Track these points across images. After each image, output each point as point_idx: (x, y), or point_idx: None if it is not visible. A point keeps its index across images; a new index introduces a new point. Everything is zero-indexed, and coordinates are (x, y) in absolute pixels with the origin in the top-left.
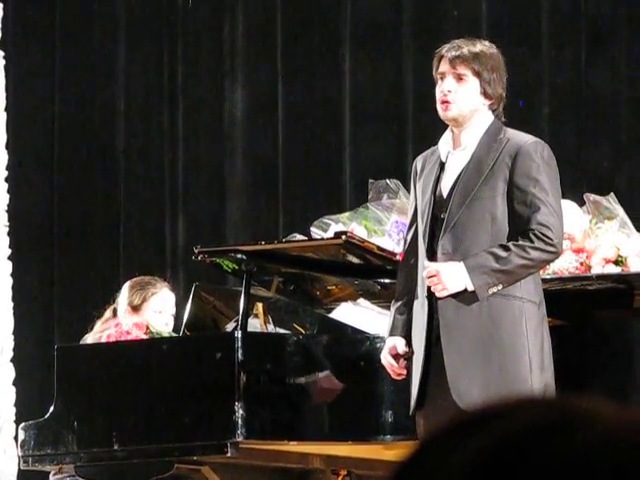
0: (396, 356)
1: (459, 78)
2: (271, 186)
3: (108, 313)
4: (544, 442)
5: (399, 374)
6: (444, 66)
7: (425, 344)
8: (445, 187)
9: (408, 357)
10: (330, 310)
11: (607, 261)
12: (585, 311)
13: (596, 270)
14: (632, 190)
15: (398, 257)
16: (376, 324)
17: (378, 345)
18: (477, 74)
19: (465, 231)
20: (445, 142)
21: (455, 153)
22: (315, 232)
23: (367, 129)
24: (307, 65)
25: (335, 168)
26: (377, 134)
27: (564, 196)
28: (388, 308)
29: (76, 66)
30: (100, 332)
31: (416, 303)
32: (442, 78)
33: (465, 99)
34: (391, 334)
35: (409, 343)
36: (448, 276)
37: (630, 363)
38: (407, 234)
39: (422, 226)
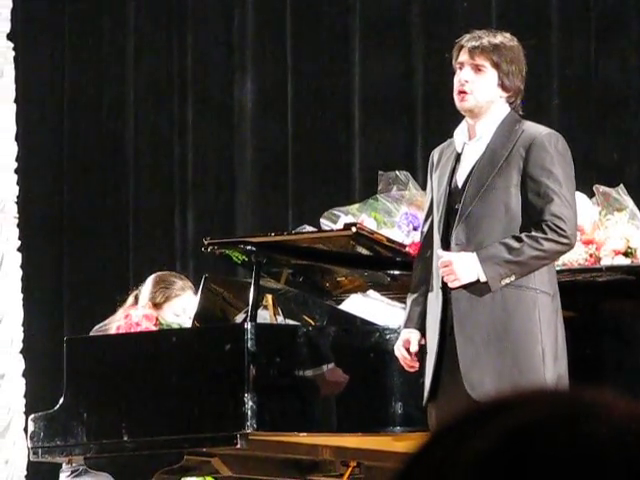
0: (409, 349)
1: (477, 69)
2: (281, 178)
3: (131, 299)
4: (555, 433)
5: (412, 366)
6: (463, 56)
7: (439, 335)
8: (460, 178)
9: (421, 349)
10: (340, 302)
11: (617, 253)
12: (595, 303)
13: (606, 262)
14: None
15: (408, 249)
16: (386, 315)
17: (388, 337)
18: (496, 65)
19: (479, 222)
20: (461, 133)
21: (470, 144)
22: (325, 224)
23: (377, 121)
24: (317, 57)
25: (344, 160)
26: (387, 126)
27: None
28: (398, 300)
29: (85, 58)
30: (118, 321)
31: (431, 295)
32: (461, 68)
33: (482, 90)
34: (406, 326)
35: (424, 335)
36: (461, 266)
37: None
38: (423, 226)
39: (437, 217)
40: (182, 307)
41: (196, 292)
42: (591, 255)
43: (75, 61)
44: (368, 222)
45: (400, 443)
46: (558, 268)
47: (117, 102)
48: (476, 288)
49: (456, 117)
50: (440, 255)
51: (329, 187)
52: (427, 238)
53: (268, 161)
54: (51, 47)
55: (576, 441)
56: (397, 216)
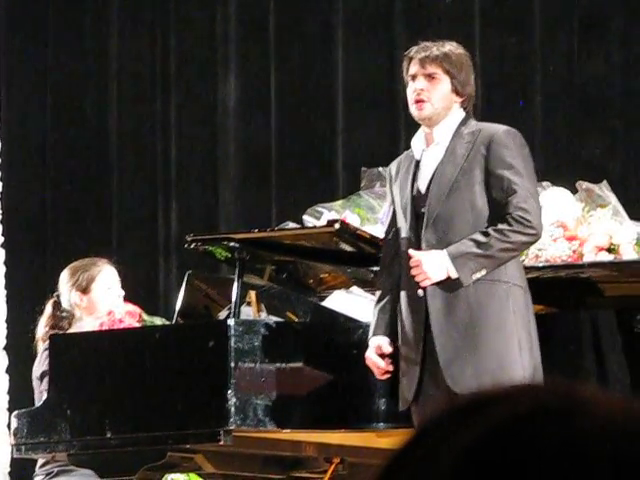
0: (381, 356)
1: (430, 77)
2: (264, 174)
3: (49, 308)
4: (541, 428)
5: (385, 372)
6: (414, 67)
7: (418, 335)
8: (423, 183)
9: (392, 356)
10: (323, 298)
11: (600, 249)
12: (578, 299)
13: (589, 258)
14: (624, 178)
15: None
16: (369, 312)
17: None
18: (447, 72)
19: (447, 223)
20: (418, 141)
21: (429, 150)
22: (308, 220)
23: (360, 117)
24: (300, 52)
25: (328, 156)
26: (370, 122)
27: (557, 184)
28: None
29: (68, 54)
30: (45, 326)
31: (402, 298)
32: (413, 79)
33: (438, 97)
34: (375, 334)
35: (393, 342)
36: (430, 265)
37: (622, 351)
38: (385, 237)
39: (406, 224)
40: (110, 279)
41: (113, 265)
42: (574, 251)
43: (58, 59)
44: (351, 218)
45: (384, 439)
46: (541, 264)
47: (100, 100)
48: (449, 285)
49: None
50: (410, 255)
51: (312, 184)
52: (389, 247)
53: (251, 158)
54: (34, 43)
55: (563, 436)
56: (380, 212)
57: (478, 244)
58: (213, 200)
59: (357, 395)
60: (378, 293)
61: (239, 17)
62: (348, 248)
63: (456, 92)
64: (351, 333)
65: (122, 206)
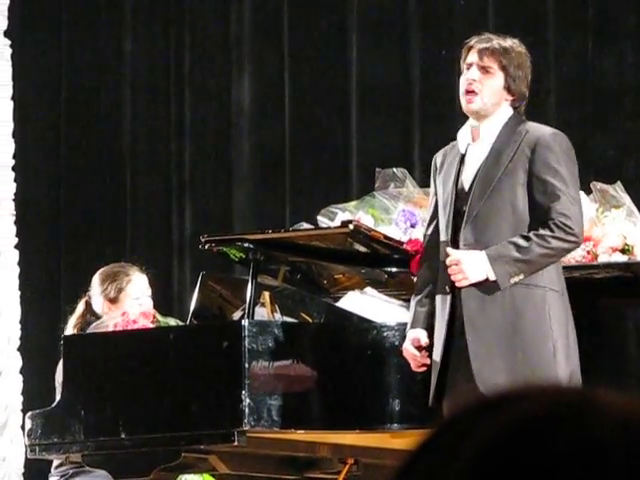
0: (419, 348)
1: (485, 70)
2: (278, 175)
3: (81, 307)
4: (558, 427)
5: (422, 364)
6: (472, 56)
7: (446, 335)
8: (466, 179)
9: (428, 349)
10: (337, 299)
11: (614, 250)
12: (592, 300)
13: (603, 259)
14: (639, 179)
15: (405, 246)
16: (383, 313)
17: (385, 334)
18: (503, 68)
19: (486, 222)
20: (464, 135)
21: (474, 145)
22: (322, 221)
23: (374, 118)
24: (314, 53)
25: (342, 157)
26: (384, 123)
27: None
28: (395, 297)
29: (82, 55)
30: (74, 327)
31: (438, 295)
32: (468, 68)
33: (489, 92)
34: (412, 327)
35: (430, 335)
36: (469, 265)
37: (638, 351)
38: (427, 229)
39: (444, 219)
40: (139, 290)
41: (143, 272)
42: (588, 252)
43: (72, 59)
44: (365, 219)
45: (397, 440)
46: None
47: (114, 100)
48: (485, 287)
49: (452, 115)
50: (449, 253)
51: (326, 184)
52: (431, 240)
53: (265, 158)
54: (48, 45)
55: (580, 436)
56: (394, 213)
57: (518, 248)
58: (227, 201)
59: (371, 396)
60: (417, 284)
61: (253, 18)
62: (362, 249)
63: (508, 89)
64: (365, 334)
65: (136, 206)
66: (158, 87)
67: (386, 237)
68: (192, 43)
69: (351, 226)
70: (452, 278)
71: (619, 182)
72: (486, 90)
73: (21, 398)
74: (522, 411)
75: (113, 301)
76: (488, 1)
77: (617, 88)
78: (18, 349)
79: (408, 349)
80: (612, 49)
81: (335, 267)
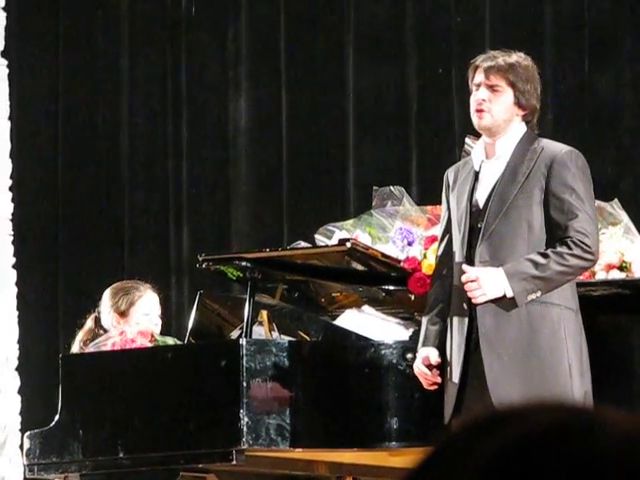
0: (429, 366)
1: (493, 89)
2: (275, 194)
3: (90, 322)
4: (562, 443)
5: (433, 383)
6: (479, 76)
7: (464, 352)
8: (481, 197)
9: (439, 367)
10: (335, 317)
11: (611, 267)
12: (589, 317)
13: (600, 276)
14: (636, 196)
15: (402, 264)
16: (381, 331)
17: (383, 352)
18: (511, 85)
19: (502, 239)
20: (478, 152)
21: (489, 162)
22: (319, 239)
23: (371, 136)
24: (310, 72)
25: (339, 175)
26: (381, 141)
27: None
28: (393, 315)
29: (80, 75)
30: (81, 341)
31: (453, 312)
32: (477, 89)
33: (499, 109)
34: (424, 345)
35: (441, 354)
36: (488, 282)
37: (635, 369)
38: (439, 245)
39: (459, 236)
40: (148, 306)
41: (156, 291)
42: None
43: (69, 78)
44: (363, 237)
45: (396, 458)
46: None
47: (112, 119)
48: (502, 304)
49: (449, 133)
50: (465, 270)
51: (323, 203)
52: (443, 257)
53: (263, 177)
54: (45, 64)
55: (583, 452)
56: (392, 231)
57: (536, 265)
58: (225, 219)
59: (369, 414)
60: (428, 302)
61: (250, 36)
62: (359, 267)
63: (518, 105)
64: (363, 352)
65: (134, 225)
66: (155, 106)
67: (383, 255)
68: (189, 62)
69: (348, 244)
70: (469, 295)
71: (616, 199)
72: (496, 108)
73: (19, 418)
74: (527, 426)
75: (123, 315)
76: (485, 19)
77: (614, 106)
78: (16, 369)
79: (419, 367)
80: (609, 67)
81: (333, 285)
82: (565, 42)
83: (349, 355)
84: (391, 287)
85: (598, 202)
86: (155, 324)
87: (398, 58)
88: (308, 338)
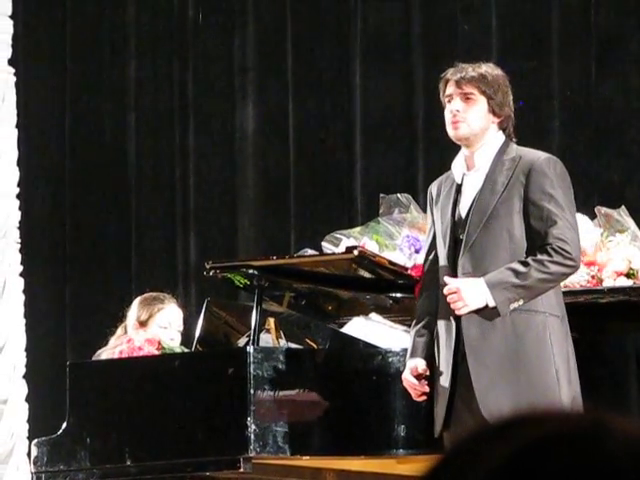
0: (418, 377)
1: (467, 98)
2: (282, 201)
3: (120, 330)
4: (570, 450)
5: (421, 393)
6: (450, 88)
7: (452, 363)
8: (463, 209)
9: (428, 378)
10: (342, 325)
11: (619, 274)
12: (597, 324)
13: (608, 283)
14: None
15: (410, 271)
16: (388, 338)
17: (390, 359)
18: (483, 93)
19: (484, 250)
20: (458, 164)
21: (470, 174)
22: (326, 247)
23: (378, 144)
24: (317, 80)
25: (346, 183)
26: (388, 149)
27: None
28: (400, 322)
29: (87, 83)
30: (112, 348)
31: (439, 324)
32: (450, 101)
33: (475, 118)
34: (411, 356)
35: (429, 365)
36: (469, 292)
37: None
38: (426, 259)
39: (444, 249)
40: (167, 320)
41: (181, 307)
42: (593, 277)
43: (76, 86)
44: (370, 245)
45: (403, 466)
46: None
47: (119, 127)
48: (486, 314)
49: (457, 144)
50: (447, 282)
51: (331, 210)
52: (430, 270)
53: (270, 185)
54: (52, 72)
55: (593, 458)
56: (399, 239)
57: (517, 274)
58: (232, 227)
59: (376, 421)
60: (416, 315)
61: (257, 45)
62: (367, 275)
63: (493, 112)
64: (370, 359)
65: (141, 233)
66: (162, 114)
67: (391, 263)
68: (196, 70)
69: (356, 252)
70: (452, 306)
71: (623, 207)
72: (471, 116)
73: (27, 425)
74: (532, 434)
75: (142, 324)
76: (491, 27)
77: (621, 112)
78: (24, 377)
79: (407, 378)
80: (615, 74)
81: (340, 293)
82: (572, 48)
83: (356, 363)
84: (398, 295)
85: (605, 209)
86: (171, 338)
87: (404, 66)
88: (315, 346)
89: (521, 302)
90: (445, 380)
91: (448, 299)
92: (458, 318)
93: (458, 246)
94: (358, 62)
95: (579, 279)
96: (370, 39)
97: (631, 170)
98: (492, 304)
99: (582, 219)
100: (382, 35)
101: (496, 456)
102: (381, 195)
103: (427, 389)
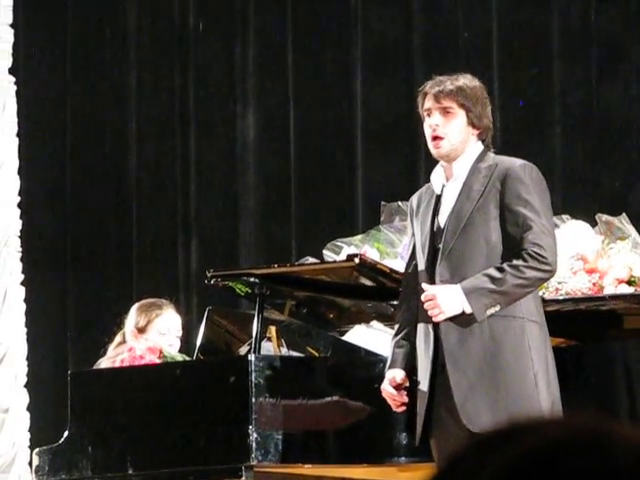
0: (397, 387)
1: (445, 112)
2: (283, 209)
3: (119, 337)
4: (571, 458)
5: (400, 403)
6: (429, 102)
7: (430, 372)
8: (442, 219)
9: (408, 389)
10: (343, 333)
11: (620, 281)
12: (598, 331)
13: (609, 290)
14: None
15: None
16: (389, 346)
17: None
18: (462, 106)
19: (461, 257)
20: (437, 176)
21: (449, 185)
22: (328, 255)
23: (379, 151)
24: (318, 87)
25: (347, 190)
26: (389, 156)
27: (576, 216)
28: None
29: (87, 91)
30: (113, 357)
31: (419, 332)
32: (429, 115)
33: (454, 131)
34: (390, 367)
35: (409, 376)
36: (445, 299)
37: None
38: (405, 270)
39: (423, 258)
40: (166, 326)
41: (180, 312)
42: (594, 284)
43: (77, 95)
44: (371, 253)
45: (405, 474)
46: (561, 297)
47: (120, 135)
48: (463, 321)
49: None
50: (424, 289)
51: (332, 218)
52: (409, 282)
53: (271, 192)
54: (53, 81)
55: (597, 465)
56: (400, 247)
57: (493, 279)
58: (233, 235)
59: (378, 429)
60: (396, 326)
61: (257, 52)
62: (368, 282)
63: (472, 125)
64: (372, 367)
65: (142, 241)
66: (163, 122)
67: (392, 270)
68: (197, 78)
69: (357, 260)
70: (429, 313)
71: (624, 214)
72: (450, 131)
73: (28, 435)
74: (535, 441)
75: (141, 331)
76: (492, 33)
77: (622, 119)
78: (25, 386)
79: (386, 389)
80: (617, 80)
81: (341, 301)
82: (573, 56)
83: (358, 371)
84: None
85: (606, 216)
86: (170, 344)
87: (405, 72)
88: (317, 354)
89: (498, 308)
90: (424, 387)
91: (425, 306)
92: (436, 325)
93: (436, 254)
94: (359, 69)
95: (580, 286)
96: (371, 46)
97: (632, 177)
98: (469, 310)
99: (583, 226)
100: (383, 42)
101: (500, 463)
102: (382, 203)
103: (406, 399)
